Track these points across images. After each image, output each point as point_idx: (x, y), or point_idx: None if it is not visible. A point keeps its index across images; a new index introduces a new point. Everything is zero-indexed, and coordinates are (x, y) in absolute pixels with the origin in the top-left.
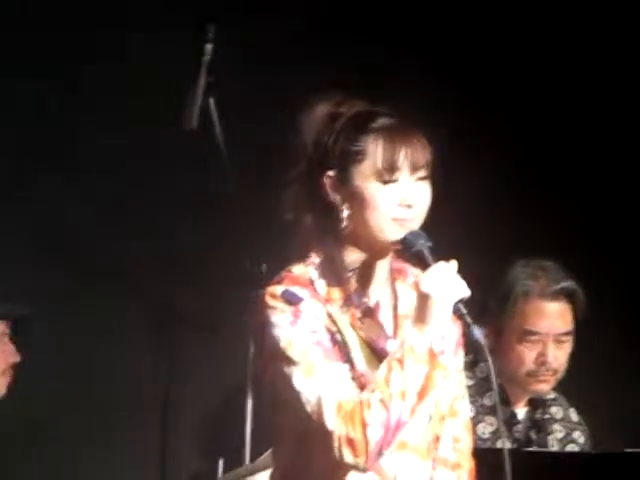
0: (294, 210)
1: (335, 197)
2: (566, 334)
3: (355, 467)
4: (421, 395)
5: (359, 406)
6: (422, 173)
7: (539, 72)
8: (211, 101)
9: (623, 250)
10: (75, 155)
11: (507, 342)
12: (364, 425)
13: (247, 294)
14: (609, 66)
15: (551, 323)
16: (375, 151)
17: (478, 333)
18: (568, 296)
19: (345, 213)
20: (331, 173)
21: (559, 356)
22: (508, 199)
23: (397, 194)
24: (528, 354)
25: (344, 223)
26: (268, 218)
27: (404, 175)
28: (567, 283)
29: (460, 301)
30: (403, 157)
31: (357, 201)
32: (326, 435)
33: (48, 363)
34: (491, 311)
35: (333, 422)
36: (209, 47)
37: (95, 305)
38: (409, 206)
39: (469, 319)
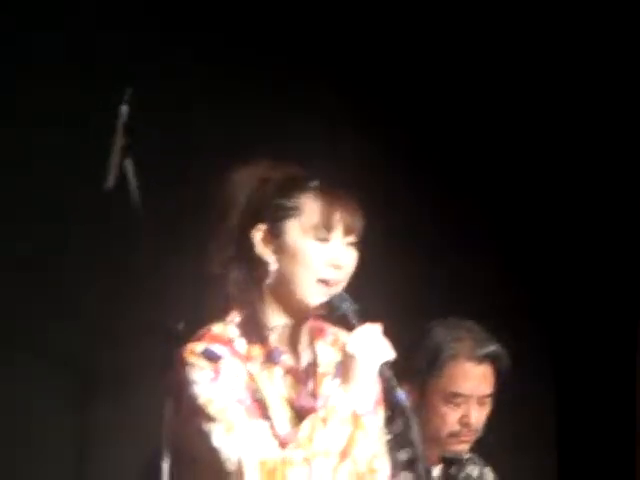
0: (221, 264)
1: (264, 250)
2: (488, 396)
3: None
4: (343, 454)
5: (282, 464)
6: (352, 238)
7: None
8: (128, 162)
9: (536, 303)
10: None
11: (430, 403)
12: None
13: (165, 352)
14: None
15: (476, 385)
16: (312, 208)
17: (402, 396)
18: (493, 359)
19: (273, 267)
20: (262, 227)
21: (480, 417)
22: (424, 261)
23: (328, 254)
24: (452, 415)
25: (269, 279)
26: (184, 277)
27: (337, 236)
28: (493, 347)
29: (385, 363)
30: (338, 218)
31: (287, 255)
32: None
33: None
34: (415, 372)
35: None
36: (125, 109)
37: (12, 365)
38: (338, 267)
39: (394, 382)
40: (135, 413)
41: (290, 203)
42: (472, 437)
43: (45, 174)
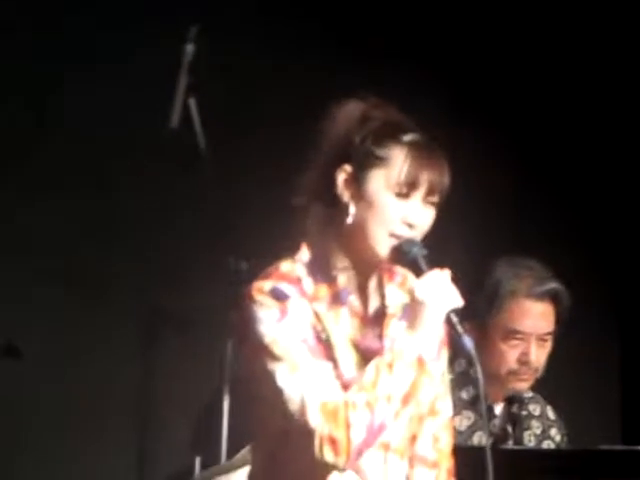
0: (305, 195)
1: (344, 192)
2: (548, 334)
3: (334, 466)
4: (405, 400)
5: (344, 406)
6: (435, 198)
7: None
8: (192, 101)
9: (602, 249)
10: (45, 155)
11: (491, 340)
12: (348, 426)
13: (230, 290)
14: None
15: (535, 323)
16: (399, 163)
17: (469, 344)
18: (553, 297)
19: (352, 210)
20: (348, 168)
21: (540, 356)
22: (492, 197)
23: (404, 211)
24: (511, 353)
25: (349, 219)
26: (250, 216)
27: (418, 195)
28: (553, 285)
29: (452, 310)
30: (425, 177)
31: (364, 204)
32: (308, 433)
33: (28, 363)
34: (476, 309)
35: (316, 421)
36: (190, 48)
37: (74, 305)
38: (410, 225)
39: (460, 329)
40: (199, 353)
41: (379, 152)
42: (532, 376)
43: (111, 112)
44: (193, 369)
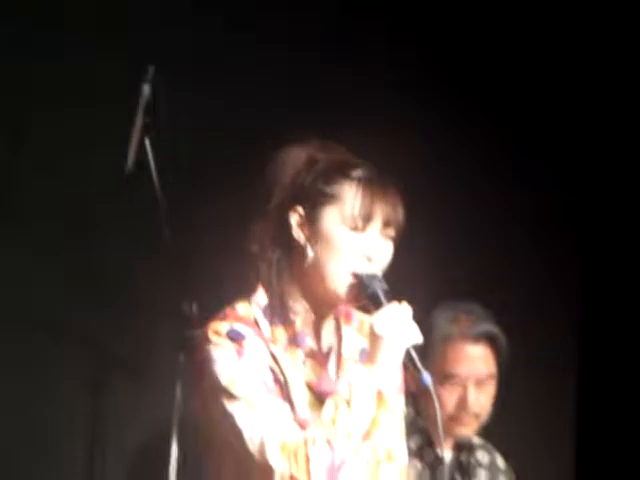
0: (259, 243)
1: (299, 234)
2: (487, 377)
3: None
4: (366, 436)
5: (304, 445)
6: (391, 231)
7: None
8: (147, 142)
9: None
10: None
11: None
12: (308, 463)
13: (179, 334)
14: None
15: (472, 366)
16: (352, 199)
17: (428, 379)
18: (489, 340)
19: (309, 252)
20: (300, 210)
21: (481, 399)
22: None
23: (362, 244)
24: (449, 398)
25: (308, 261)
26: (201, 260)
27: (374, 228)
28: (488, 327)
29: (412, 346)
30: (378, 210)
31: (322, 242)
32: (268, 474)
33: None
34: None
35: (276, 460)
36: (146, 88)
37: (27, 346)
38: (369, 259)
39: (420, 364)
40: (149, 396)
41: (330, 190)
42: (474, 421)
43: (67, 154)
44: (141, 416)
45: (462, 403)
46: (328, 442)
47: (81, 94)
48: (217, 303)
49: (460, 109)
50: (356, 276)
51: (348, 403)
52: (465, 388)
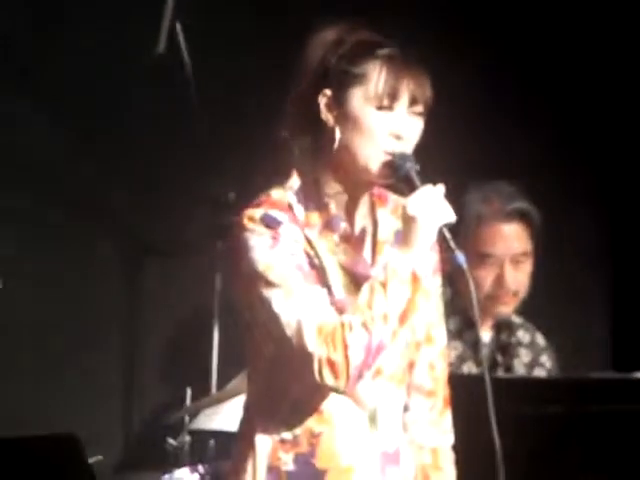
0: (290, 128)
1: (328, 117)
2: (523, 254)
3: (334, 389)
4: (402, 319)
5: (340, 328)
6: (419, 108)
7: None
8: (178, 25)
9: (583, 172)
10: (43, 83)
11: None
12: (345, 347)
13: (216, 220)
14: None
15: (506, 244)
16: (377, 77)
17: (462, 258)
18: (522, 216)
19: (338, 135)
20: (328, 92)
21: (518, 277)
22: (474, 121)
23: (390, 123)
24: (485, 277)
25: (336, 145)
26: (237, 147)
27: (401, 106)
28: (520, 204)
29: (445, 225)
30: (405, 87)
31: (349, 124)
32: (306, 357)
33: (14, 291)
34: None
35: (314, 344)
36: None
37: (63, 231)
38: (399, 137)
39: (453, 244)
40: (187, 280)
41: (356, 70)
42: (512, 299)
43: (97, 40)
44: (180, 301)
45: (500, 282)
46: (364, 325)
47: None
48: (256, 190)
49: None
50: (387, 155)
51: (384, 286)
52: (502, 267)
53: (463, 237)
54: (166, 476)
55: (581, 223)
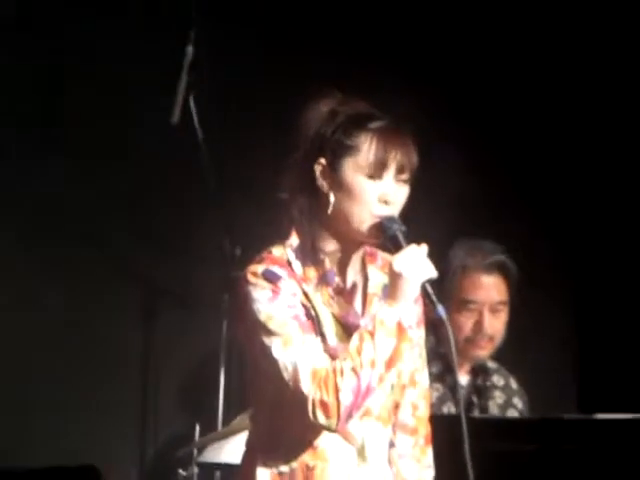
0: (289, 190)
1: (323, 183)
2: (501, 303)
3: (326, 428)
4: (389, 364)
5: (332, 373)
6: (405, 176)
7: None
8: (191, 98)
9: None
10: (60, 137)
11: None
12: (337, 390)
13: (223, 274)
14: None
15: (486, 293)
16: (368, 148)
17: (442, 311)
18: (501, 269)
19: (332, 199)
20: (323, 161)
21: (495, 324)
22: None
23: (379, 190)
24: (466, 322)
25: (330, 208)
26: (243, 205)
27: (389, 174)
28: (499, 257)
29: (427, 281)
30: (392, 158)
31: (342, 190)
32: (301, 399)
33: (35, 331)
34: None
35: (308, 387)
36: (190, 49)
37: (79, 279)
38: (387, 202)
39: (434, 298)
40: (196, 331)
41: (349, 141)
42: (489, 344)
43: (117, 107)
44: (190, 346)
45: (478, 327)
46: (354, 370)
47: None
48: (260, 246)
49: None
50: (376, 218)
51: (372, 335)
52: (481, 313)
53: (448, 285)
54: None
55: (546, 277)
